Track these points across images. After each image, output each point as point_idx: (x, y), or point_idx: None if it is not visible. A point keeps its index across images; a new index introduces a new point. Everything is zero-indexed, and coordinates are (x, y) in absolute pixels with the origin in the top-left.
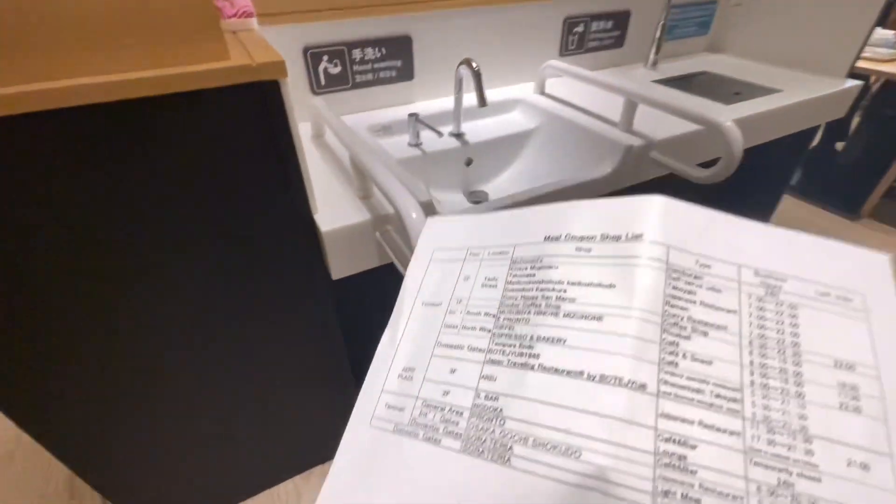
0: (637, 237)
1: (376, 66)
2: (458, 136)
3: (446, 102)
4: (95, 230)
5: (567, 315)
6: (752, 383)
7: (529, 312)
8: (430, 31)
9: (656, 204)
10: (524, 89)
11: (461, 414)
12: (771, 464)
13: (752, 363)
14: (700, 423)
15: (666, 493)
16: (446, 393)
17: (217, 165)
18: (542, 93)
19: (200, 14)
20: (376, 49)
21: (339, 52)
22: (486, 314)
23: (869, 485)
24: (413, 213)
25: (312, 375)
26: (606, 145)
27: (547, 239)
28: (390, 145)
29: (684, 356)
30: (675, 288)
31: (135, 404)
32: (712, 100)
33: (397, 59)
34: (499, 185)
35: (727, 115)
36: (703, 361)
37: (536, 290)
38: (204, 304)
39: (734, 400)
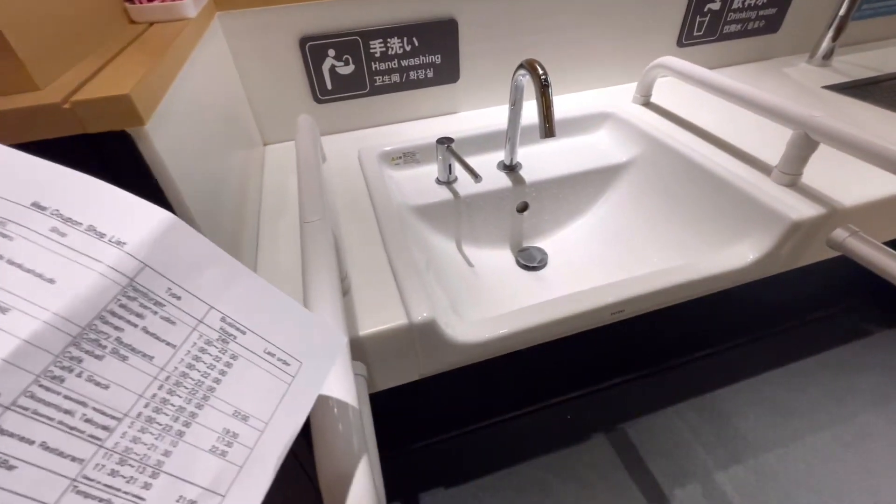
0: (119, 243)
1: (405, 62)
2: (511, 168)
3: (501, 115)
4: None
5: None
6: (140, 415)
7: None
8: (481, 13)
9: (164, 221)
10: (620, 96)
11: None
12: (94, 493)
13: (154, 396)
14: (42, 444)
15: None
16: None
17: None
18: (647, 104)
19: None
20: (405, 39)
21: (352, 43)
22: None
23: None
24: None
25: None
26: (753, 211)
27: (34, 205)
28: (412, 181)
29: (80, 374)
30: (122, 306)
31: None
32: None
33: (436, 52)
34: (563, 245)
35: None
36: (98, 384)
37: None
38: None
39: (105, 428)
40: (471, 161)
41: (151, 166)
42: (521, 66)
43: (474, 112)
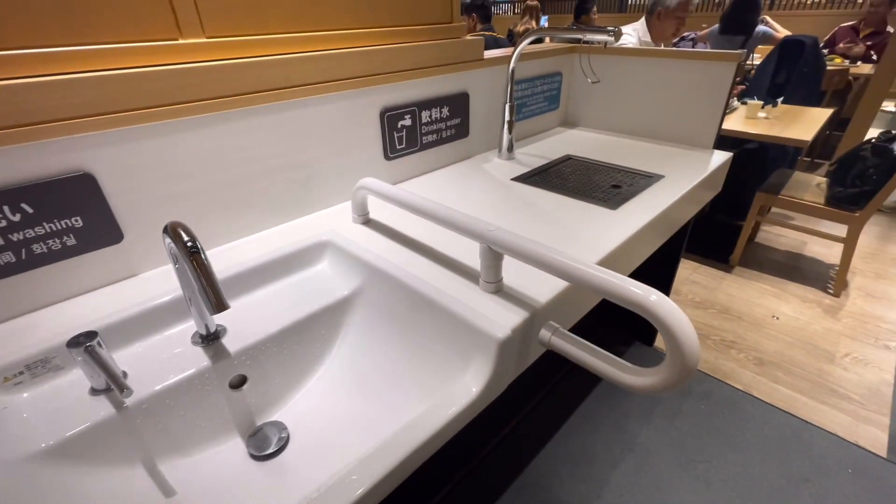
0: None
1: (15, 236)
2: (212, 337)
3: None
4: None
5: None
6: None
7: None
8: (126, 160)
9: None
10: (342, 214)
11: None
12: None
13: None
14: None
15: None
16: None
17: None
18: (367, 222)
19: None
20: (7, 209)
21: None
22: None
23: None
24: None
25: None
26: (470, 335)
27: None
28: (48, 401)
29: None
30: None
31: None
32: (595, 202)
33: (71, 214)
34: (303, 413)
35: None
36: None
37: None
38: None
39: None
40: (159, 338)
41: None
42: (164, 231)
43: (160, 269)
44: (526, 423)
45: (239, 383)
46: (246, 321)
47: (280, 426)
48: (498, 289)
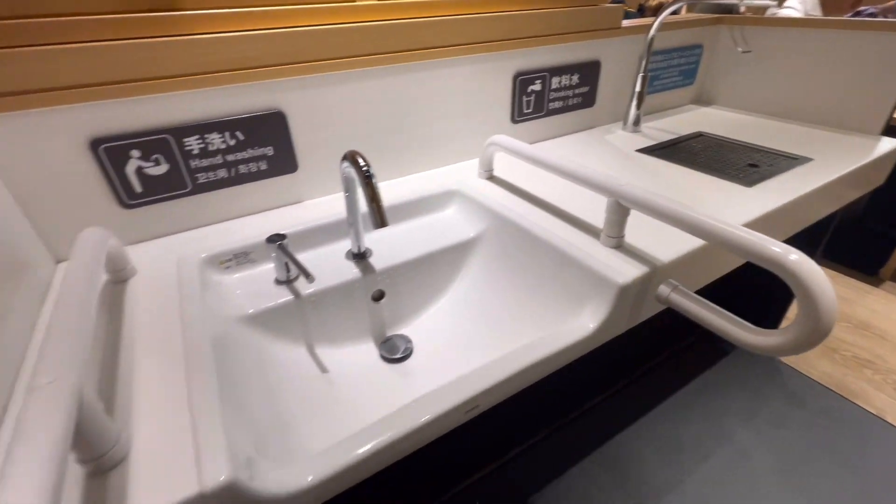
0: None
1: (231, 157)
2: (361, 256)
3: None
4: None
5: None
6: None
7: None
8: (307, 103)
9: None
10: (466, 171)
11: None
12: None
13: None
14: None
15: None
16: None
17: None
18: (491, 178)
19: None
20: (227, 134)
21: (161, 143)
22: None
23: None
24: None
25: None
26: (587, 278)
27: None
28: (247, 284)
29: None
30: None
31: None
32: (726, 178)
33: (266, 144)
34: (426, 330)
35: (778, 240)
36: None
37: None
38: None
39: None
40: (318, 252)
41: None
42: (344, 158)
43: (321, 199)
44: (616, 400)
45: (378, 297)
46: (387, 247)
47: (406, 339)
48: (619, 244)
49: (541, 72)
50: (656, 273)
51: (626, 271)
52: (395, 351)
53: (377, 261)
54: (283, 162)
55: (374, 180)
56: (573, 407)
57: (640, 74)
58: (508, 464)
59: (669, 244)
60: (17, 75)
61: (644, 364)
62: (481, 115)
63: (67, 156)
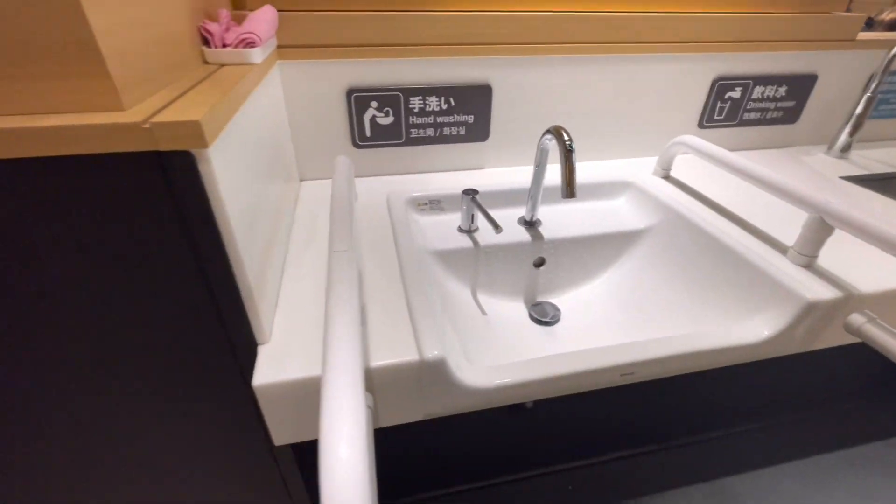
0: None
1: (440, 119)
2: (531, 224)
3: (523, 175)
4: None
5: None
6: None
7: None
8: (514, 81)
9: None
10: (641, 167)
11: None
12: None
13: None
14: None
15: None
16: None
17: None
18: (667, 177)
19: (67, 34)
20: (442, 99)
21: (394, 98)
22: None
23: None
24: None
25: None
26: (768, 288)
27: None
28: (435, 227)
29: None
30: None
31: None
32: None
33: (469, 112)
34: (577, 303)
35: None
36: None
37: None
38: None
39: None
40: (494, 213)
41: (206, 184)
42: (548, 132)
43: (499, 169)
44: (740, 438)
45: (539, 263)
46: (556, 222)
47: (555, 307)
48: (810, 263)
49: (744, 79)
50: (851, 300)
51: (816, 290)
52: (544, 315)
53: (545, 231)
54: (479, 130)
55: (573, 155)
56: (687, 432)
57: (867, 95)
58: (611, 463)
59: (872, 274)
60: (311, 32)
61: (790, 413)
62: (668, 115)
63: (330, 99)
